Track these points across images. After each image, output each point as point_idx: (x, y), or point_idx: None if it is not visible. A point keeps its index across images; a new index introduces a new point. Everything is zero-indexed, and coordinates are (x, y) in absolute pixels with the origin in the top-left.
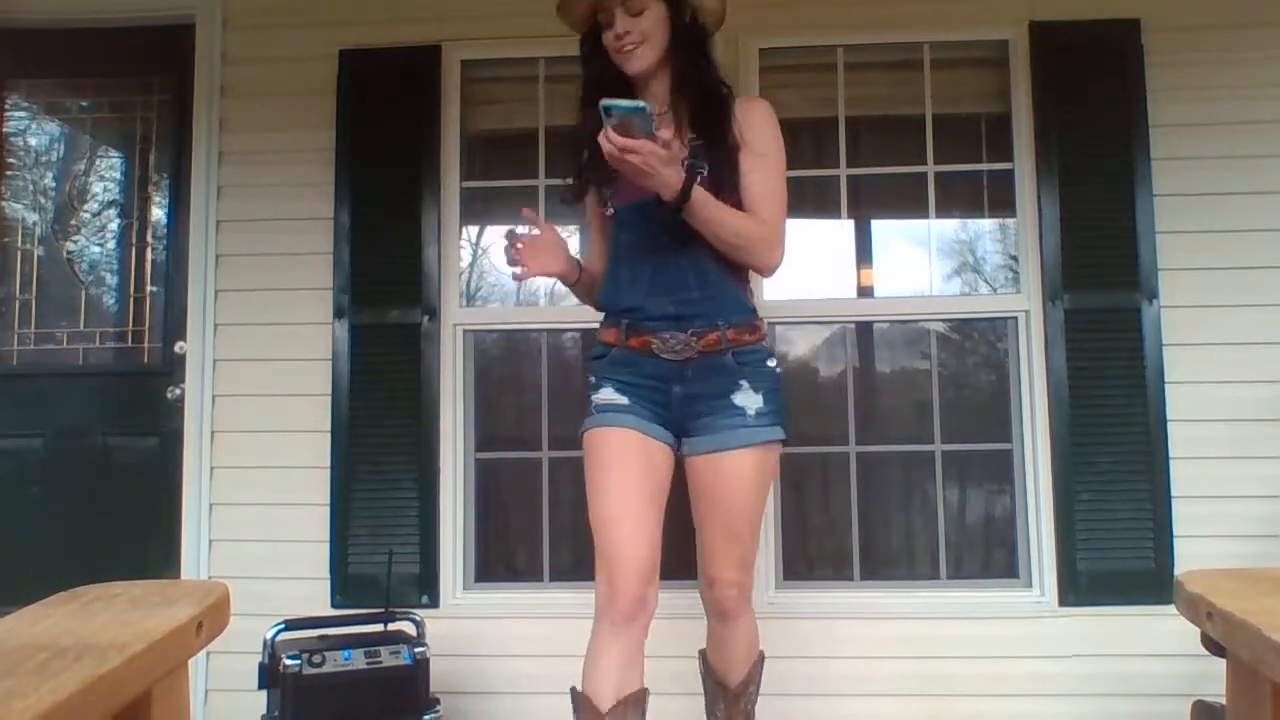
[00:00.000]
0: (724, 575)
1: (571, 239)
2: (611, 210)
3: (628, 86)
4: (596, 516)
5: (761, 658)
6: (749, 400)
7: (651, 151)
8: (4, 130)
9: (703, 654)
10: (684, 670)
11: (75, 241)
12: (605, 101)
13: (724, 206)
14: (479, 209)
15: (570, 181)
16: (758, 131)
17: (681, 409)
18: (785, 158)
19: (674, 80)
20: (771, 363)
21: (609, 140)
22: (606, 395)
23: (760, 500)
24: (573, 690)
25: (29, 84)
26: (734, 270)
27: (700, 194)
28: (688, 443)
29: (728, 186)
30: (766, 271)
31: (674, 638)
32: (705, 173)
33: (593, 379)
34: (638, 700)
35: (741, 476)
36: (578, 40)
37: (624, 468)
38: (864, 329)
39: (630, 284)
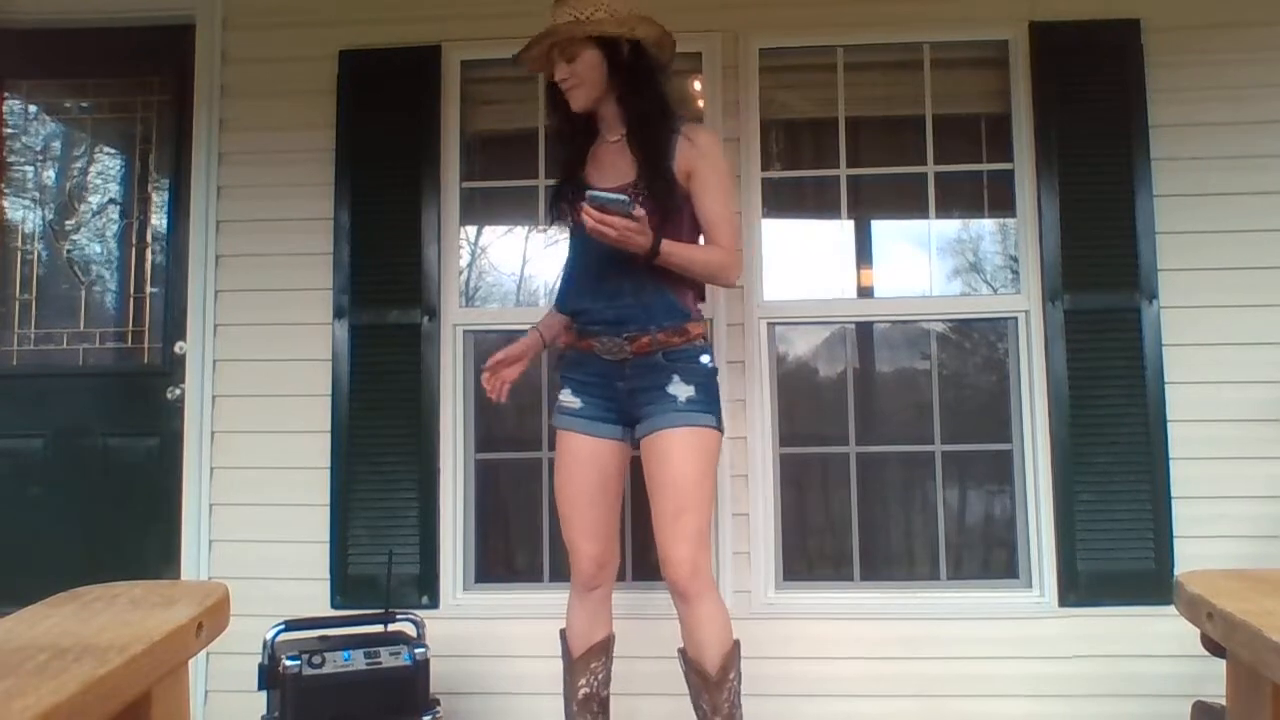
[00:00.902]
0: (672, 552)
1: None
2: (568, 219)
3: (589, 117)
4: (559, 513)
5: (737, 646)
6: (680, 390)
7: (625, 227)
8: (4, 130)
9: (681, 651)
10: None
11: (75, 242)
12: (590, 191)
13: (689, 247)
14: (479, 209)
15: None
16: (704, 160)
17: (627, 401)
18: (732, 181)
19: (621, 110)
20: (705, 359)
21: (588, 215)
22: (565, 397)
23: (700, 480)
24: (560, 632)
25: (29, 84)
26: (670, 279)
27: (668, 246)
28: (637, 430)
29: (670, 211)
30: (731, 285)
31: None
32: (639, 202)
33: (560, 377)
34: (603, 646)
35: (676, 453)
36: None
37: (570, 469)
38: (864, 329)
39: (580, 288)
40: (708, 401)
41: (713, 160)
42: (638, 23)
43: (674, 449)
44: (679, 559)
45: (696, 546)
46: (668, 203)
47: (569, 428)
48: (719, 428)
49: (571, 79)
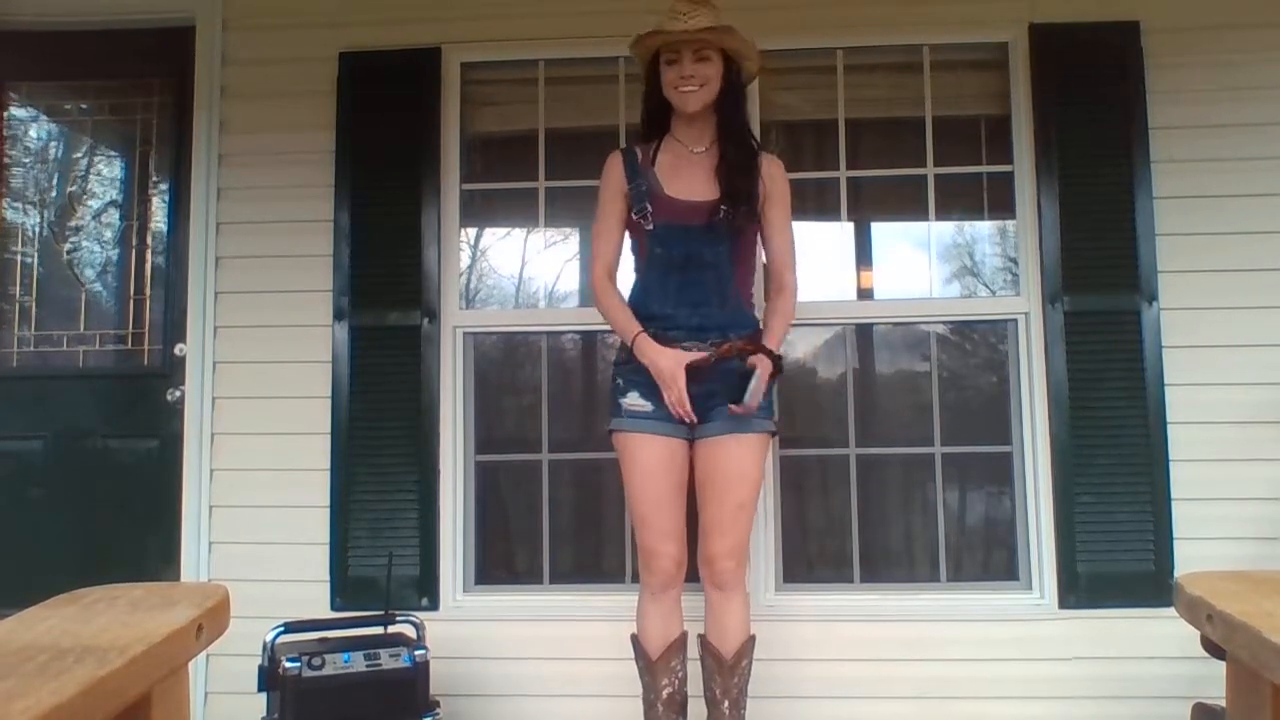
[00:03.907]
0: (720, 545)
1: (572, 242)
2: (651, 225)
3: (667, 111)
4: (633, 515)
5: (753, 640)
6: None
7: (763, 383)
8: (4, 132)
9: (701, 637)
10: (690, 673)
11: (75, 243)
12: (738, 407)
13: (778, 329)
14: (479, 211)
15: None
16: (781, 193)
17: (697, 405)
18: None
19: (720, 126)
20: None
21: (744, 409)
22: (634, 400)
23: (756, 483)
24: (632, 637)
25: (29, 86)
26: (745, 289)
27: (776, 346)
28: (699, 430)
29: (747, 229)
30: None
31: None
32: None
33: (620, 381)
34: (680, 644)
35: (741, 459)
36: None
37: (650, 473)
38: (864, 331)
39: (660, 293)
40: (769, 406)
41: (786, 195)
42: (757, 56)
43: (737, 453)
44: (722, 554)
45: (743, 546)
46: (749, 222)
47: (642, 430)
48: (774, 429)
49: (697, 79)
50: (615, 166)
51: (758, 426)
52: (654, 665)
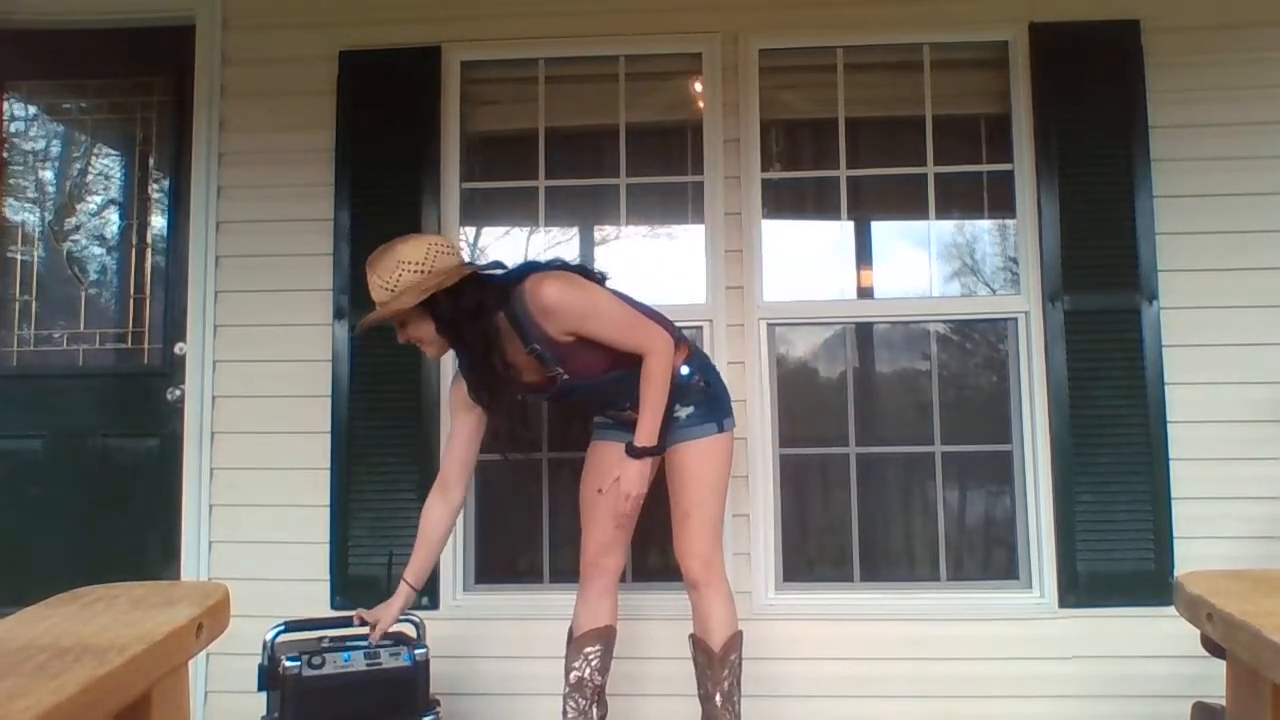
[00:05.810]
0: (682, 546)
1: (572, 242)
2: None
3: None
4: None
5: (740, 635)
6: (681, 411)
7: (626, 484)
8: (4, 131)
9: (691, 635)
10: (682, 672)
11: (75, 242)
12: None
13: (645, 411)
14: (479, 209)
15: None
16: (562, 316)
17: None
18: (594, 294)
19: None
20: (695, 378)
21: (632, 496)
22: (600, 418)
23: (706, 485)
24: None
25: (29, 85)
26: (626, 370)
27: (645, 437)
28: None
29: (567, 364)
30: (674, 356)
31: (672, 641)
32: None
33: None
34: (598, 634)
35: (679, 466)
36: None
37: (597, 469)
38: (864, 330)
39: (589, 414)
40: (705, 412)
41: (567, 311)
42: (444, 275)
43: (677, 462)
44: (687, 554)
45: (706, 543)
46: (571, 355)
47: (601, 438)
48: (721, 429)
49: (411, 341)
50: None
51: (689, 435)
52: (570, 646)
